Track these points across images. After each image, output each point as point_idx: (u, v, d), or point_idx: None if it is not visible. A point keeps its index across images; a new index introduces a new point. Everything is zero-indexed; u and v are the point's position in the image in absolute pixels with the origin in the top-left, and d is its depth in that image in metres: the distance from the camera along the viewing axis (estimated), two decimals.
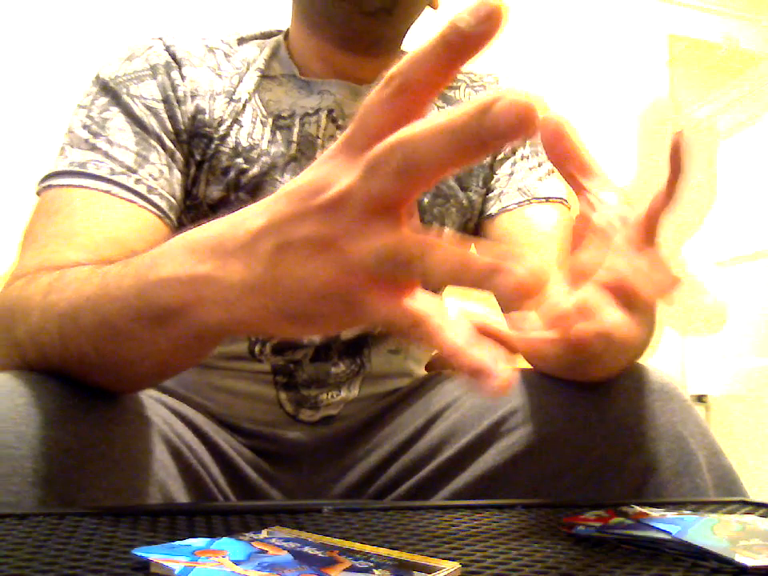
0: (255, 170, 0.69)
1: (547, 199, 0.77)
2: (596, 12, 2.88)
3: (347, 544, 0.35)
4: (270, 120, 0.71)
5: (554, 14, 2.80)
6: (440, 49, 0.30)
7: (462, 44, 0.29)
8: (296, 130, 0.71)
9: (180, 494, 0.58)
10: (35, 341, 0.50)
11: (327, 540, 0.36)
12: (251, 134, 0.70)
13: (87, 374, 0.49)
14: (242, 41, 0.76)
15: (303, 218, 0.33)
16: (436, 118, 0.30)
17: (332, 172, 0.33)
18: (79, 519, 0.40)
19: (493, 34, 0.29)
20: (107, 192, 0.63)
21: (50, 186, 0.64)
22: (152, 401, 0.60)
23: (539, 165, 0.79)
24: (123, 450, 0.50)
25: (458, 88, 0.81)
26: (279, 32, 0.79)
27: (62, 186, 0.63)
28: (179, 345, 0.43)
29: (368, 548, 0.35)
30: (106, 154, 0.65)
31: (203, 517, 0.43)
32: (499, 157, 0.79)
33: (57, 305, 0.49)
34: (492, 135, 0.28)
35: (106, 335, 0.46)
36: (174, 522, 0.41)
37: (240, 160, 0.69)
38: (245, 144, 0.69)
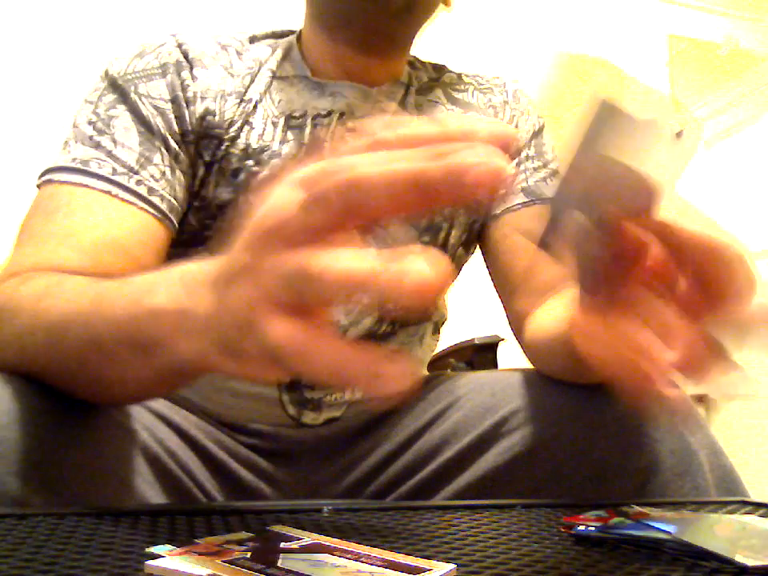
0: (265, 172, 0.69)
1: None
2: (596, 12, 2.88)
3: (343, 544, 0.35)
4: (282, 120, 0.70)
5: (555, 15, 2.80)
6: (440, 139, 0.29)
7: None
8: (308, 130, 0.71)
9: (158, 500, 0.57)
10: (20, 343, 0.50)
11: (326, 540, 0.36)
12: (262, 135, 0.69)
13: (66, 385, 0.49)
14: (253, 39, 0.76)
15: (245, 250, 0.33)
16: (398, 161, 0.28)
17: (277, 202, 0.32)
18: (79, 519, 0.40)
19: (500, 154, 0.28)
20: (107, 192, 0.62)
21: (50, 181, 0.63)
22: (134, 406, 0.60)
23: (544, 165, 0.79)
24: (91, 455, 0.50)
25: (466, 91, 0.81)
26: (291, 32, 0.78)
27: (63, 182, 0.63)
28: (160, 375, 0.43)
29: (362, 548, 0.35)
30: (109, 153, 0.64)
31: (203, 517, 0.43)
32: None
33: (49, 313, 0.48)
34: (462, 194, 0.28)
35: (93, 353, 0.45)
36: (174, 522, 0.41)
37: (250, 162, 0.69)
38: (255, 146, 0.69)
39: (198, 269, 0.38)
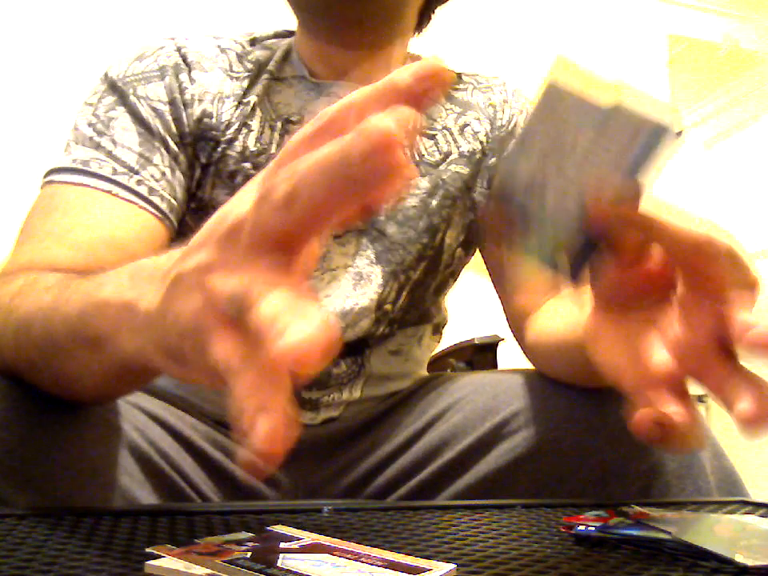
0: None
1: None
2: (596, 12, 2.88)
3: (343, 544, 0.35)
4: (280, 124, 0.70)
5: (555, 15, 2.80)
6: (373, 100, 0.29)
7: (397, 100, 0.28)
8: None
9: (148, 500, 0.57)
10: None
11: (326, 540, 0.36)
12: (259, 138, 0.69)
13: (37, 382, 0.49)
14: (254, 41, 0.76)
15: (200, 249, 0.32)
16: (329, 149, 0.27)
17: (237, 203, 0.31)
18: (79, 519, 0.40)
19: (432, 92, 0.28)
20: (108, 192, 0.63)
21: (51, 182, 0.64)
22: (127, 406, 0.60)
23: None
24: (76, 454, 0.50)
25: (465, 90, 0.81)
26: (293, 33, 0.78)
27: (63, 182, 0.63)
28: (110, 371, 0.43)
29: (362, 548, 0.35)
30: (110, 154, 0.64)
31: (203, 517, 0.43)
32: (503, 155, 0.79)
33: (18, 310, 0.49)
34: (376, 180, 0.26)
35: (51, 349, 0.46)
36: (174, 522, 0.41)
37: (248, 165, 0.68)
38: (253, 148, 0.69)
39: (151, 263, 0.38)
